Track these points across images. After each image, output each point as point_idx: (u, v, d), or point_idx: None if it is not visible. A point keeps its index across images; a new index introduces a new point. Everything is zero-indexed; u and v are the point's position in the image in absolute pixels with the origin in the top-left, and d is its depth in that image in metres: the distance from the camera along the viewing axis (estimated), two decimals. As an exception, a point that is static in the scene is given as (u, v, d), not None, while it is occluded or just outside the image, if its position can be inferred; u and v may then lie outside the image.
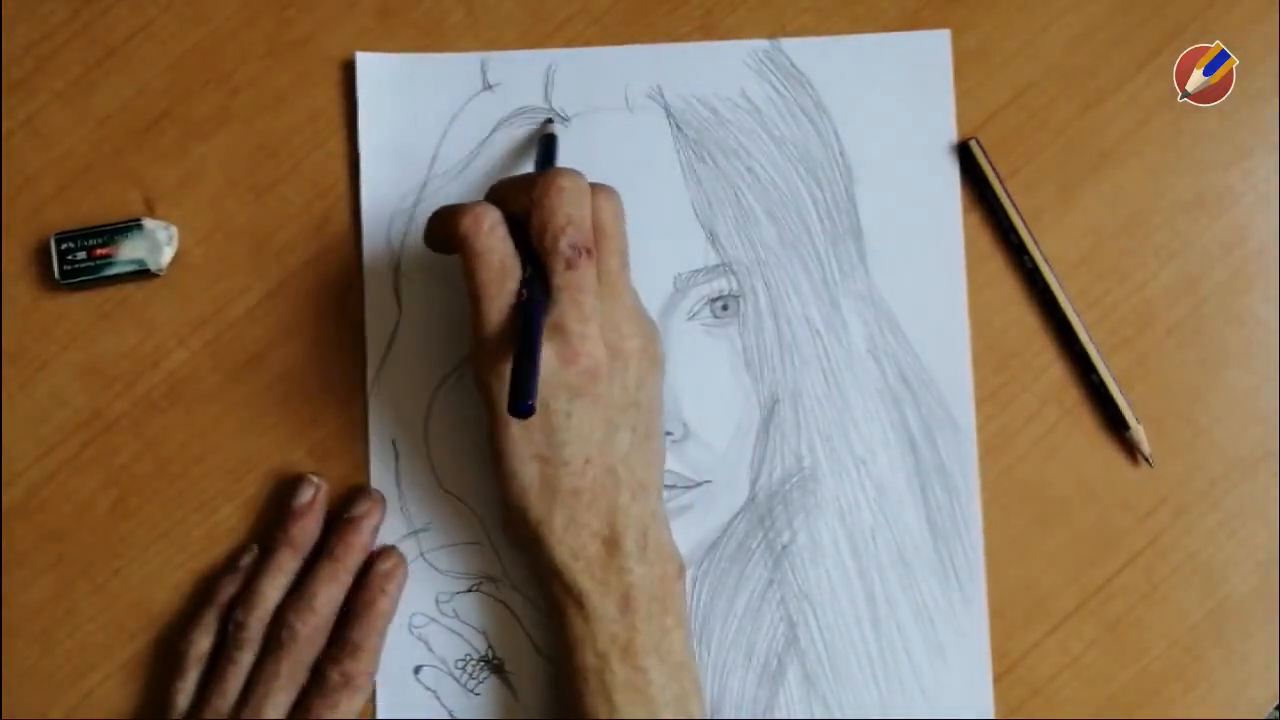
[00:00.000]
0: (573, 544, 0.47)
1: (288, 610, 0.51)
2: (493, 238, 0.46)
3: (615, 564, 0.47)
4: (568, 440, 0.46)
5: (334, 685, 0.51)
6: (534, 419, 0.46)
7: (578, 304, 0.46)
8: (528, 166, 0.55)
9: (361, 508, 0.53)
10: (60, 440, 0.55)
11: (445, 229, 0.48)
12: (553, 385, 0.46)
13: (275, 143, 0.56)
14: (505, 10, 0.56)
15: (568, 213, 0.46)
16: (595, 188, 0.48)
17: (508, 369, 0.44)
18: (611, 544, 0.47)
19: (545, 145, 0.53)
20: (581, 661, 0.48)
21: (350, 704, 0.51)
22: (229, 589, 0.53)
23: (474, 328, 0.47)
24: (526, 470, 0.47)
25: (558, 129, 0.54)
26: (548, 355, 0.45)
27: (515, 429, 0.47)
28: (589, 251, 0.46)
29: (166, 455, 0.55)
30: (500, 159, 0.55)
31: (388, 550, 0.53)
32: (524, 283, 0.46)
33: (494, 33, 0.56)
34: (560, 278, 0.46)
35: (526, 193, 0.47)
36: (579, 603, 0.48)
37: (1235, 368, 0.55)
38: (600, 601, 0.47)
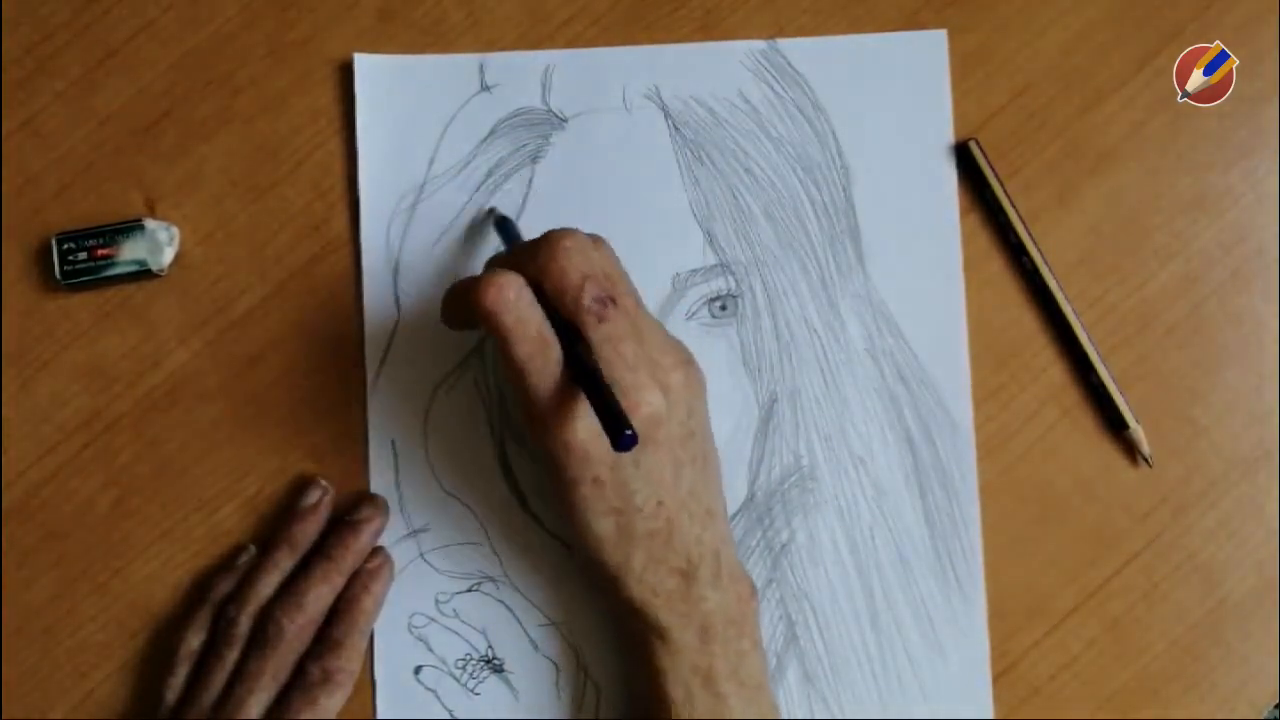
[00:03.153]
0: (652, 582, 0.47)
1: (276, 607, 0.51)
2: (521, 306, 0.44)
3: (693, 594, 0.47)
4: (639, 489, 0.46)
5: (314, 682, 0.51)
6: (604, 475, 0.45)
7: (621, 355, 0.45)
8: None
9: (364, 512, 0.53)
10: (61, 440, 0.55)
11: (465, 305, 0.45)
12: None
13: (276, 143, 0.56)
14: (505, 11, 0.56)
15: (580, 269, 0.45)
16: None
17: (577, 426, 0.44)
18: (688, 576, 0.47)
19: (504, 227, 0.53)
20: (665, 693, 0.48)
21: (329, 701, 0.51)
22: (224, 587, 0.53)
23: (525, 403, 0.45)
24: (602, 524, 0.46)
25: (554, 138, 0.55)
26: None
27: (585, 488, 0.46)
28: (614, 300, 0.45)
29: (167, 455, 0.55)
30: (497, 160, 0.55)
31: (375, 550, 0.54)
32: (567, 351, 0.45)
33: (494, 33, 0.56)
34: (596, 333, 0.45)
35: (531, 261, 0.46)
36: (662, 637, 0.48)
37: (1234, 367, 0.54)
38: (681, 634, 0.47)
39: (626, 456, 0.45)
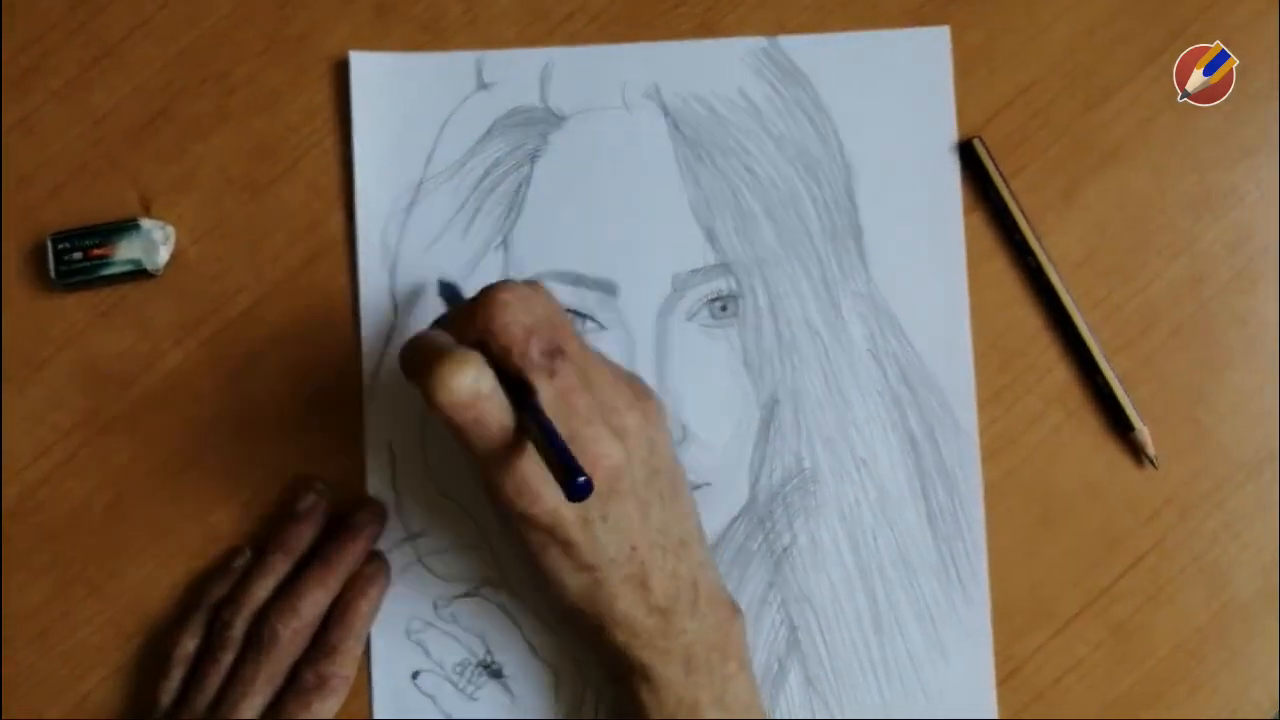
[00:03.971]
0: (632, 625, 0.47)
1: (271, 612, 0.51)
2: (479, 406, 0.42)
3: (673, 629, 0.47)
4: (609, 542, 0.45)
5: (308, 686, 0.51)
6: (574, 536, 0.44)
7: (575, 409, 0.44)
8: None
9: (361, 517, 0.53)
10: (57, 441, 0.55)
11: (417, 382, 0.44)
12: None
13: (272, 142, 0.56)
14: (503, 7, 0.56)
15: (523, 323, 0.44)
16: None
17: (542, 496, 0.43)
18: (666, 611, 0.47)
19: (449, 293, 0.52)
20: None
21: (323, 705, 0.51)
22: (219, 590, 0.53)
23: (486, 482, 0.45)
24: (578, 581, 0.46)
25: (553, 137, 0.54)
26: None
27: (553, 552, 0.45)
28: (561, 351, 0.44)
29: (163, 456, 0.55)
30: (495, 159, 0.55)
31: (372, 555, 0.53)
32: (517, 403, 0.44)
33: (492, 30, 0.56)
34: (548, 389, 0.44)
35: (470, 324, 0.44)
36: (646, 675, 0.47)
37: (1240, 368, 0.54)
38: (664, 670, 0.47)
39: (594, 512, 0.44)
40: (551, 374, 0.44)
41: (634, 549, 0.46)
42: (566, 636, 0.53)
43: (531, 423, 0.43)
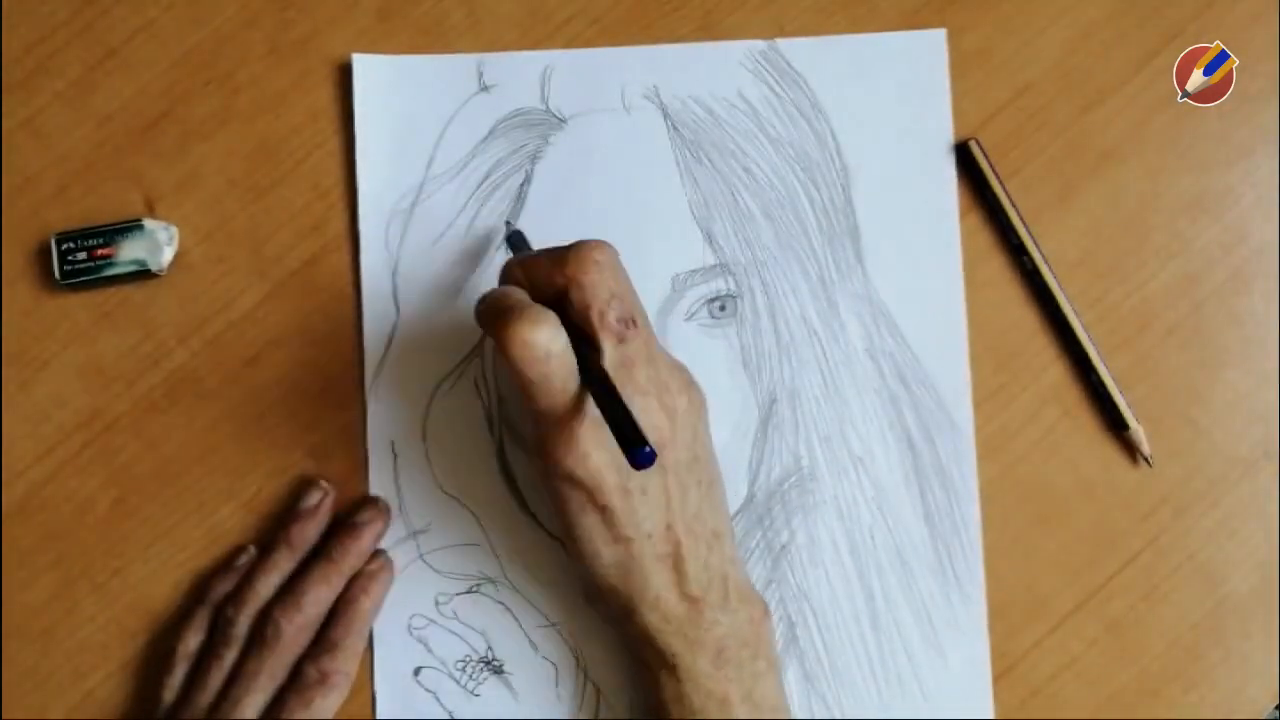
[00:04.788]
0: (664, 609, 0.47)
1: (275, 608, 0.51)
2: (550, 364, 0.43)
3: (705, 620, 0.47)
4: (647, 515, 0.46)
5: (310, 683, 0.51)
6: (613, 503, 0.45)
7: (634, 379, 0.45)
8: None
9: (365, 515, 0.53)
10: (60, 440, 0.55)
11: (492, 333, 0.44)
12: (625, 468, 0.45)
13: (275, 143, 0.56)
14: (505, 10, 0.56)
15: (610, 287, 0.45)
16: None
17: (590, 456, 0.44)
18: (697, 601, 0.47)
19: (517, 239, 0.52)
20: None
21: (325, 702, 0.51)
22: (222, 587, 0.53)
23: (537, 436, 0.46)
24: (613, 552, 0.46)
25: (553, 139, 0.55)
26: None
27: (591, 517, 0.46)
28: (634, 322, 0.45)
29: (166, 455, 0.55)
30: (496, 161, 0.55)
31: (375, 553, 0.54)
32: (583, 359, 0.44)
33: (494, 33, 0.56)
34: (615, 352, 0.45)
35: (558, 269, 0.45)
36: (671, 665, 0.47)
37: (1235, 368, 0.54)
38: (693, 661, 0.47)
39: (634, 483, 0.45)
40: (621, 339, 0.45)
41: (669, 528, 0.46)
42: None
43: (600, 389, 0.43)
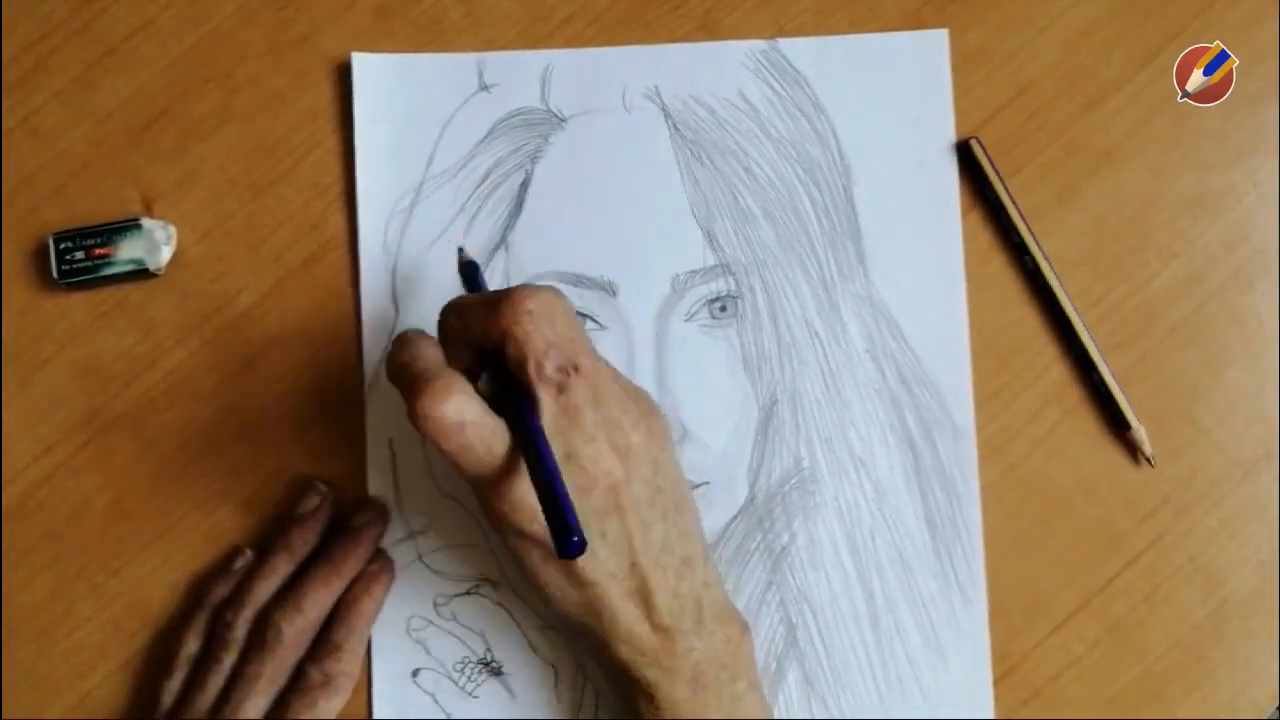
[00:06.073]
0: (635, 643, 0.46)
1: (275, 611, 0.51)
2: (465, 433, 0.42)
3: (679, 648, 0.46)
4: (608, 557, 0.45)
5: (313, 685, 0.51)
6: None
7: (579, 425, 0.43)
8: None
9: (365, 518, 0.53)
10: (58, 440, 0.55)
11: (403, 396, 0.43)
12: (581, 517, 0.43)
13: (274, 142, 0.56)
14: (504, 9, 0.56)
15: (545, 337, 0.43)
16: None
17: (538, 517, 0.43)
18: (669, 630, 0.46)
19: (470, 270, 0.51)
20: None
21: (328, 704, 0.51)
22: (220, 591, 0.53)
23: (482, 504, 0.45)
24: (578, 595, 0.46)
25: (553, 138, 0.54)
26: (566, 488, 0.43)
27: (551, 568, 0.45)
28: (576, 367, 0.43)
29: (164, 455, 0.55)
30: (496, 160, 0.55)
31: (376, 553, 0.53)
32: (517, 420, 0.43)
33: (493, 32, 0.56)
34: (553, 405, 0.43)
35: (492, 320, 0.44)
36: (648, 695, 0.47)
37: (1237, 367, 0.54)
38: (670, 689, 0.46)
39: (593, 528, 0.44)
40: (561, 389, 0.43)
41: (634, 565, 0.45)
42: (572, 641, 0.53)
43: (532, 463, 0.42)
